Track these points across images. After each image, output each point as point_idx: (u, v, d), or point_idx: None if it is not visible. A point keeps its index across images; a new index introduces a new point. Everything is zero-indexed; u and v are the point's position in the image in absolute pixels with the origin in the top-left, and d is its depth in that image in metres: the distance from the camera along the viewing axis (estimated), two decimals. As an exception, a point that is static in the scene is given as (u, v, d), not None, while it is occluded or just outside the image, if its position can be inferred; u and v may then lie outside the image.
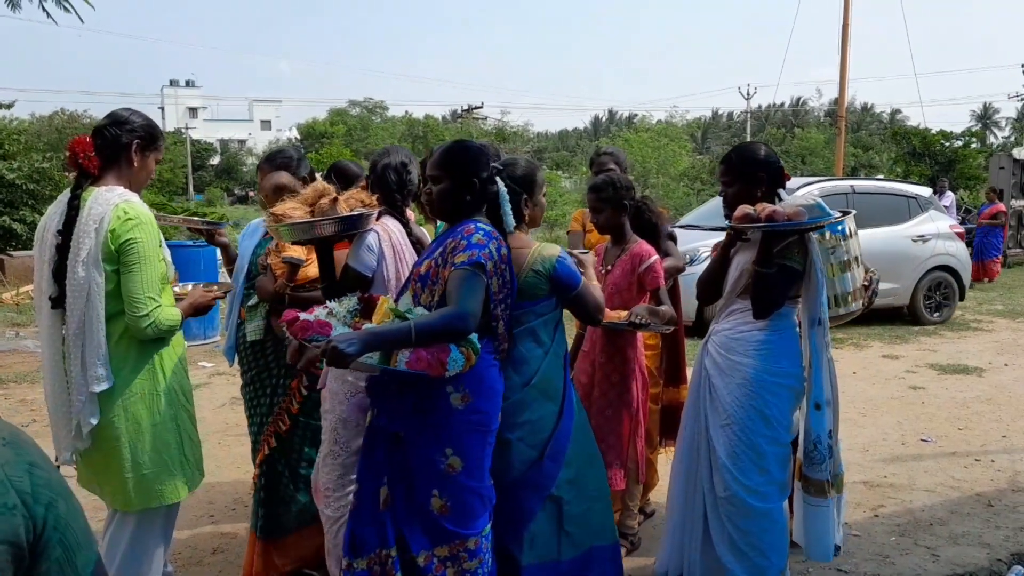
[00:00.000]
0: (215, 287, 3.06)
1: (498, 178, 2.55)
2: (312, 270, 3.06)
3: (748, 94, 50.46)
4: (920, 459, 4.80)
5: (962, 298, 9.77)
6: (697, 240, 8.37)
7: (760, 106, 58.28)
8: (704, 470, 2.88)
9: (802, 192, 9.30)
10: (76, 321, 2.56)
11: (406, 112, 45.59)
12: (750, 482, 2.79)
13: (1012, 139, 54.48)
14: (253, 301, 3.19)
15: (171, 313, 2.67)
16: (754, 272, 2.75)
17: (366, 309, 2.46)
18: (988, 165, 20.06)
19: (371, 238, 2.83)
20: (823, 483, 2.87)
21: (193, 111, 68.78)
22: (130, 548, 2.71)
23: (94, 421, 2.59)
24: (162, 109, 68.40)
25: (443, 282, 2.36)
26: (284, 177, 3.19)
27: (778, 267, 2.74)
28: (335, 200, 2.80)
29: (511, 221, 2.56)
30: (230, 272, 3.40)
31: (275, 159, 3.30)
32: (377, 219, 2.92)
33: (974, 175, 22.23)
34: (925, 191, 10.10)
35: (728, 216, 2.94)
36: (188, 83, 72.93)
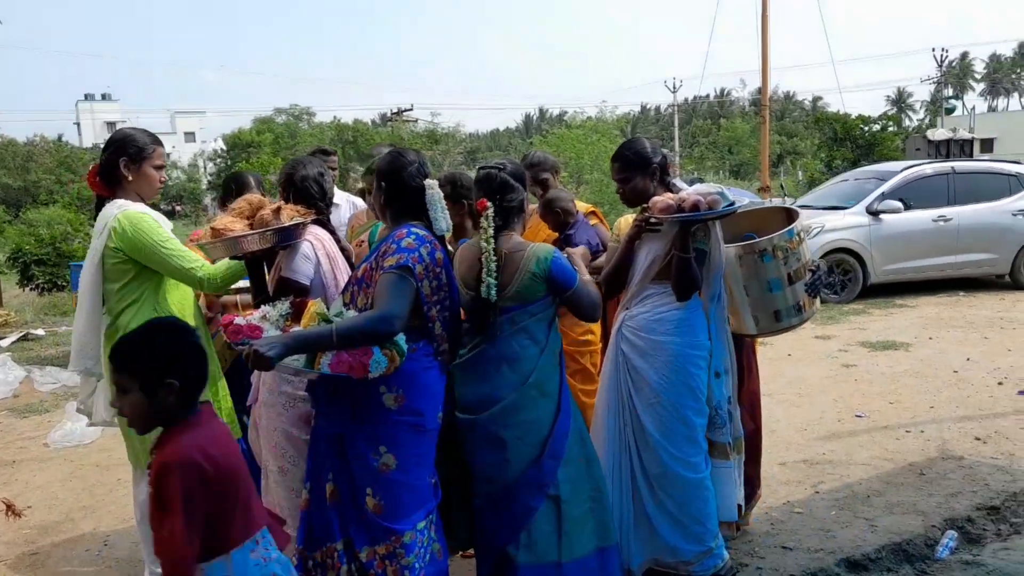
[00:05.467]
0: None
1: (427, 182, 2.55)
2: None
3: (674, 87, 51.42)
4: (855, 434, 4.95)
5: None
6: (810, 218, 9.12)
7: (687, 99, 59.43)
8: (633, 452, 2.98)
9: (906, 174, 9.95)
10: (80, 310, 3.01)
11: (334, 117, 44.92)
12: (682, 454, 2.92)
13: (926, 121, 56.74)
14: None
15: (214, 268, 2.91)
16: (677, 258, 2.88)
17: (298, 313, 2.46)
18: (905, 147, 20.80)
19: (306, 247, 2.80)
20: (725, 446, 3.07)
21: (111, 125, 66.53)
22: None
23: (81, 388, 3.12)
24: (78, 125, 66.01)
25: (376, 285, 2.37)
26: None
27: (695, 251, 2.90)
28: (278, 210, 2.74)
29: (442, 225, 2.56)
30: None
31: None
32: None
33: (892, 157, 23.03)
34: None
35: (632, 207, 3.11)
36: (104, 97, 70.18)
